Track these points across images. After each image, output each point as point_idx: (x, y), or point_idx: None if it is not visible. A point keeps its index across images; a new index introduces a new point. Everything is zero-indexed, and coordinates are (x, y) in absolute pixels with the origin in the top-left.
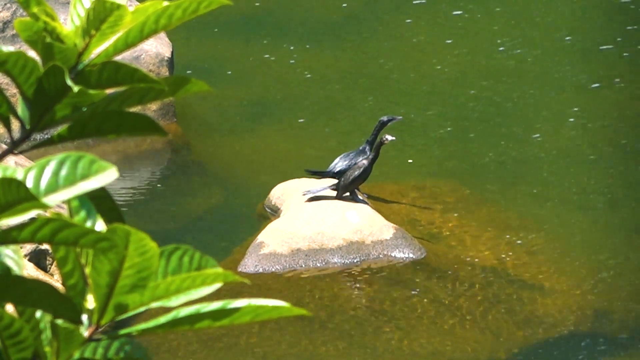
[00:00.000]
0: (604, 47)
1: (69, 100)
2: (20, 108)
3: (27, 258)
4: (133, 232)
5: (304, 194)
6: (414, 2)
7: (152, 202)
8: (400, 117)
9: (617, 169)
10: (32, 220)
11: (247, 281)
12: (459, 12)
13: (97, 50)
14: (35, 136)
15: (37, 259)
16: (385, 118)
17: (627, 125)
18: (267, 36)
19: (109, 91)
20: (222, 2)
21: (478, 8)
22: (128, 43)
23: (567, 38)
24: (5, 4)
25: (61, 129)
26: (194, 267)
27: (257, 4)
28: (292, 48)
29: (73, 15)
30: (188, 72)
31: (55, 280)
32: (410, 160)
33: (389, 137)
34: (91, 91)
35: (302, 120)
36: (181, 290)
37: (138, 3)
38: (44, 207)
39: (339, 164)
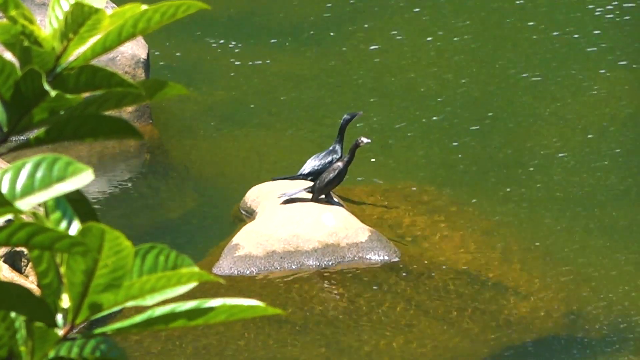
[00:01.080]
0: (590, 47)
1: (47, 104)
2: None
3: (2, 259)
4: (108, 231)
5: (279, 197)
6: (390, 5)
7: (127, 204)
8: (361, 113)
9: (593, 171)
10: (8, 223)
11: (222, 280)
12: (432, 10)
13: (76, 53)
14: (12, 139)
15: (12, 260)
16: (347, 116)
17: (602, 126)
18: (243, 38)
19: (86, 94)
20: (200, 6)
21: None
22: (106, 46)
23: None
24: None
25: (39, 132)
26: (170, 266)
27: (233, 7)
28: (268, 51)
29: (51, 17)
30: (164, 73)
31: (30, 281)
32: (372, 160)
33: (365, 140)
34: (68, 95)
35: (278, 122)
36: (156, 289)
37: (115, 6)
38: (18, 211)
39: (308, 165)
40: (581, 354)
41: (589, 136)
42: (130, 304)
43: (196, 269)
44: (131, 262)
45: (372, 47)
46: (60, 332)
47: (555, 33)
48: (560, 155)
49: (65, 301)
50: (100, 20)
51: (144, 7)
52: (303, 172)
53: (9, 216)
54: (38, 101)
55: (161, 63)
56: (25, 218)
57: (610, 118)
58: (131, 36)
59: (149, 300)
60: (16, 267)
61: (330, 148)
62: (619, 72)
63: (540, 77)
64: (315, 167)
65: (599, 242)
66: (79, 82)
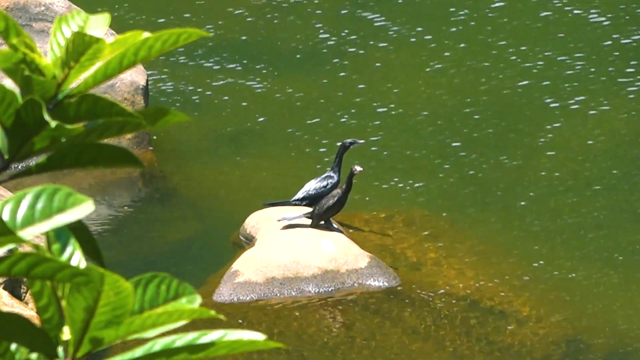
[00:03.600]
0: (578, 63)
1: (48, 132)
2: None
3: (2, 286)
4: (107, 275)
5: (279, 220)
6: (389, 32)
7: (126, 231)
8: (363, 141)
9: (593, 197)
10: (9, 254)
11: (223, 317)
12: (428, 37)
13: (77, 81)
14: (13, 166)
15: (12, 287)
16: (348, 141)
17: (602, 151)
18: (242, 65)
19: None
20: (201, 34)
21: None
22: (107, 74)
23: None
24: None
25: (40, 159)
26: (172, 295)
27: (232, 34)
28: (267, 77)
29: (53, 44)
30: (162, 99)
31: (30, 308)
32: (372, 186)
33: (358, 168)
34: (68, 126)
35: (278, 148)
36: (157, 325)
37: (116, 34)
38: (20, 241)
39: (302, 191)
40: None
41: (589, 161)
42: (131, 337)
43: (198, 297)
44: (132, 302)
45: (370, 73)
46: None
47: (562, 58)
48: (560, 180)
49: (67, 334)
50: (100, 50)
51: (146, 34)
52: (297, 198)
53: (10, 246)
54: (39, 130)
55: (160, 89)
56: (26, 248)
57: (608, 144)
58: (132, 64)
59: (150, 333)
60: (15, 294)
61: (326, 174)
62: (623, 97)
63: (539, 101)
64: (310, 193)
65: (600, 269)
66: (79, 111)
